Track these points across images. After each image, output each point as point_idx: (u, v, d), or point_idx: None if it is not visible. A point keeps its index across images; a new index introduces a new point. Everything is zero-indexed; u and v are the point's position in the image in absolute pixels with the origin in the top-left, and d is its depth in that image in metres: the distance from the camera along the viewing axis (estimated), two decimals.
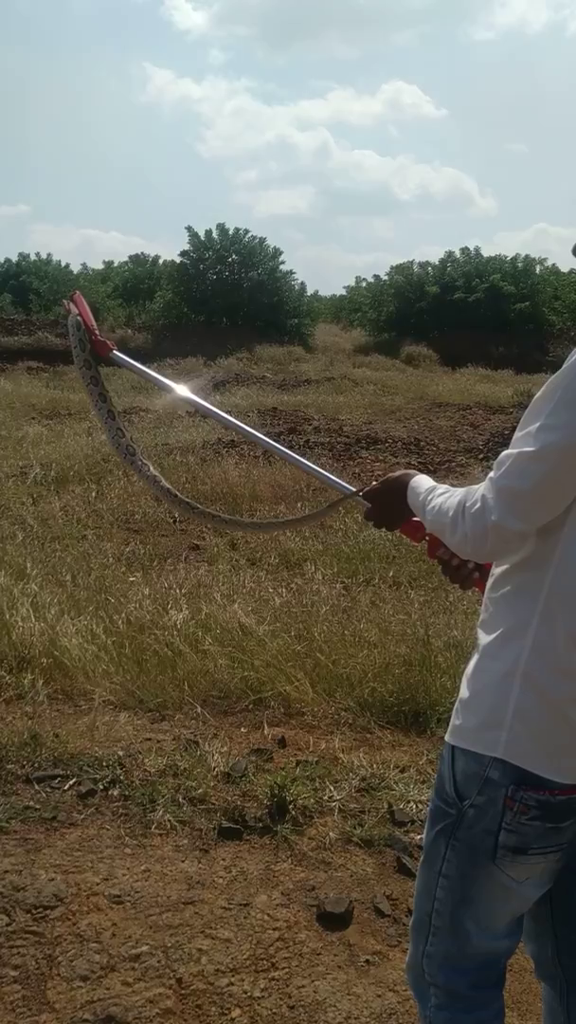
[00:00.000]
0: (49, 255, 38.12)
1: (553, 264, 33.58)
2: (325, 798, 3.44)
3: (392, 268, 33.66)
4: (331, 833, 3.24)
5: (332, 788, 3.50)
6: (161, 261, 36.29)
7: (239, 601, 5.06)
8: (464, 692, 1.70)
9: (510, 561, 1.65)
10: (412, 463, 11.70)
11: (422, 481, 1.90)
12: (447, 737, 1.73)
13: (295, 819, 3.29)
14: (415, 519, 1.96)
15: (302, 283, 33.34)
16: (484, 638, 1.68)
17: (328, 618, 4.89)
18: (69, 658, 4.40)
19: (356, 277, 37.73)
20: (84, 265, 39.07)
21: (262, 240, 32.09)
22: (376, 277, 34.35)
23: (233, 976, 2.55)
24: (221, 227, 31.85)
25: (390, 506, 2.02)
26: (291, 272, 32.52)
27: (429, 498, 1.79)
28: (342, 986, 2.54)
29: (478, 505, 1.59)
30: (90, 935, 2.67)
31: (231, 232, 31.87)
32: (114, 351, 2.42)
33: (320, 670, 4.39)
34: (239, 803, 3.37)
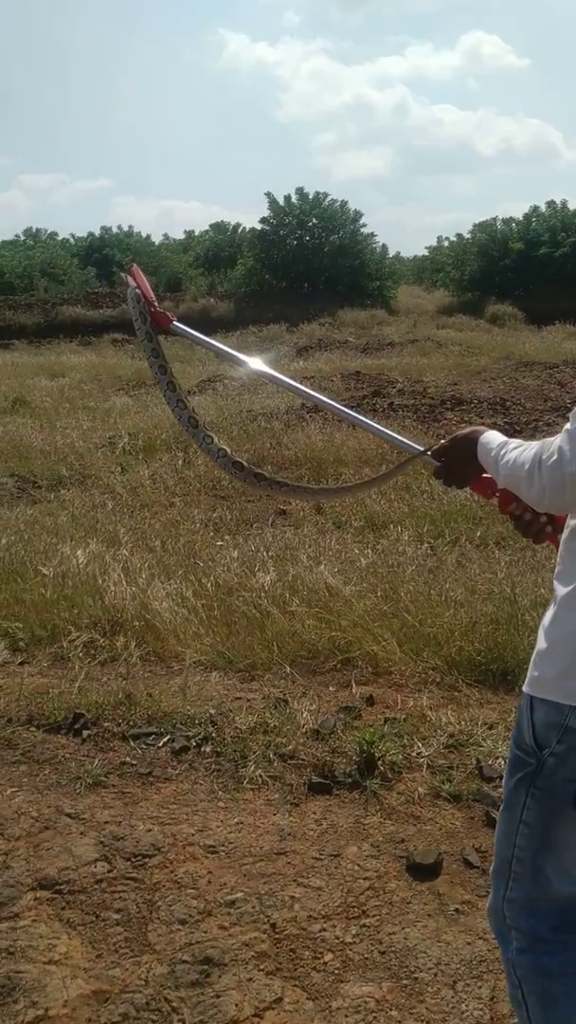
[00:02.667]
0: (131, 227, 38.50)
1: None
2: (413, 754, 3.48)
3: (475, 226, 33.03)
4: (420, 788, 3.29)
5: (420, 744, 3.54)
6: (241, 229, 36.28)
7: (325, 563, 5.10)
8: (542, 643, 1.72)
9: None
10: (498, 423, 11.56)
11: (493, 436, 1.90)
12: (525, 688, 1.75)
13: (384, 774, 3.35)
14: (485, 475, 1.96)
15: (383, 245, 33.03)
16: (561, 589, 1.69)
17: (414, 578, 4.91)
18: (160, 621, 4.52)
19: (438, 237, 37.13)
20: (166, 235, 39.43)
21: (343, 203, 31.87)
22: (458, 236, 33.77)
23: (325, 922, 2.63)
24: (300, 191, 31.70)
25: (460, 463, 2.02)
26: (372, 234, 32.26)
27: (502, 453, 1.80)
28: (432, 934, 2.59)
29: (555, 457, 1.59)
30: (187, 882, 2.78)
31: (311, 196, 31.68)
32: (174, 322, 2.45)
33: (407, 630, 4.42)
34: (328, 759, 3.44)
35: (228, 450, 2.43)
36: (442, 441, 2.08)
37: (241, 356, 2.49)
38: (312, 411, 11.87)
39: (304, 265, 30.46)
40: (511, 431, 11.12)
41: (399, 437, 2.32)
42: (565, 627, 1.67)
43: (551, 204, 31.84)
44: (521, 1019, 1.83)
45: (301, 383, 2.49)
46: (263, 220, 31.57)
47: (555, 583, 1.73)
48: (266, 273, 30.91)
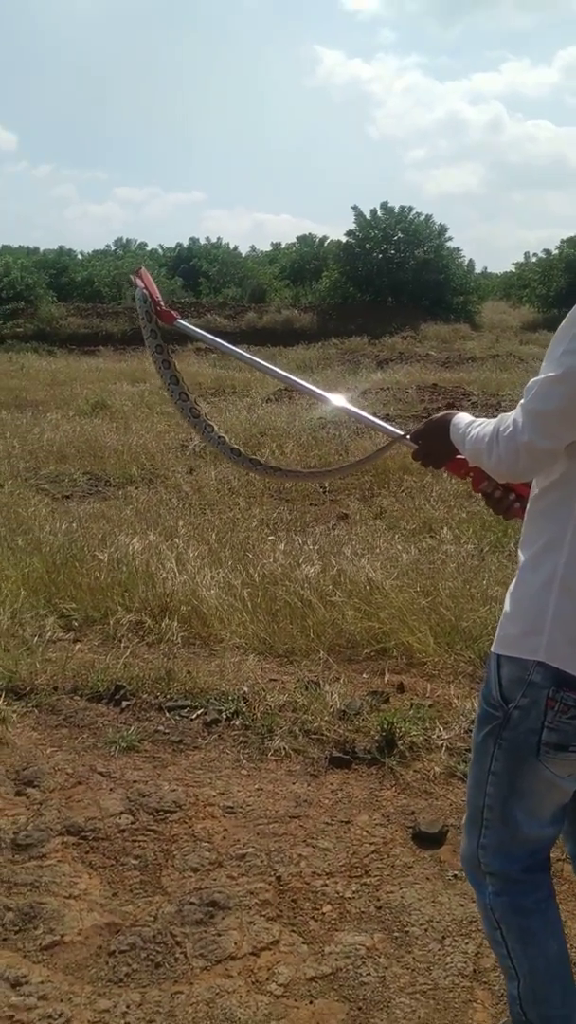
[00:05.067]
0: (219, 239, 39.21)
1: None
2: (434, 737, 3.62)
3: (563, 241, 32.75)
4: (436, 768, 3.43)
5: (442, 728, 3.67)
6: (328, 242, 36.62)
7: (367, 557, 5.27)
8: (507, 606, 1.87)
9: (544, 481, 1.80)
10: None
11: (463, 417, 2.06)
12: (493, 648, 1.90)
13: (402, 753, 3.49)
14: (459, 456, 2.11)
15: (470, 260, 33.05)
16: (525, 553, 1.84)
17: (454, 576, 5.03)
18: (207, 606, 4.74)
19: (525, 253, 36.93)
20: (252, 247, 40.01)
21: (428, 217, 32.00)
22: (546, 252, 33.53)
23: (328, 879, 2.80)
24: (385, 205, 31.89)
25: (435, 444, 2.17)
26: (458, 249, 32.31)
27: (468, 430, 1.95)
28: (428, 894, 2.74)
29: (510, 428, 1.75)
30: (203, 836, 2.97)
31: (396, 210, 31.84)
32: (178, 320, 2.61)
33: (443, 624, 4.55)
34: (351, 736, 3.60)
35: (227, 438, 2.60)
36: (419, 425, 2.24)
37: (242, 352, 2.69)
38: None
39: (388, 278, 30.61)
40: None
41: (381, 422, 2.48)
42: (526, 589, 1.81)
43: None
44: (502, 958, 1.97)
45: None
46: (349, 233, 31.86)
47: (519, 551, 1.88)
48: (350, 286, 31.15)
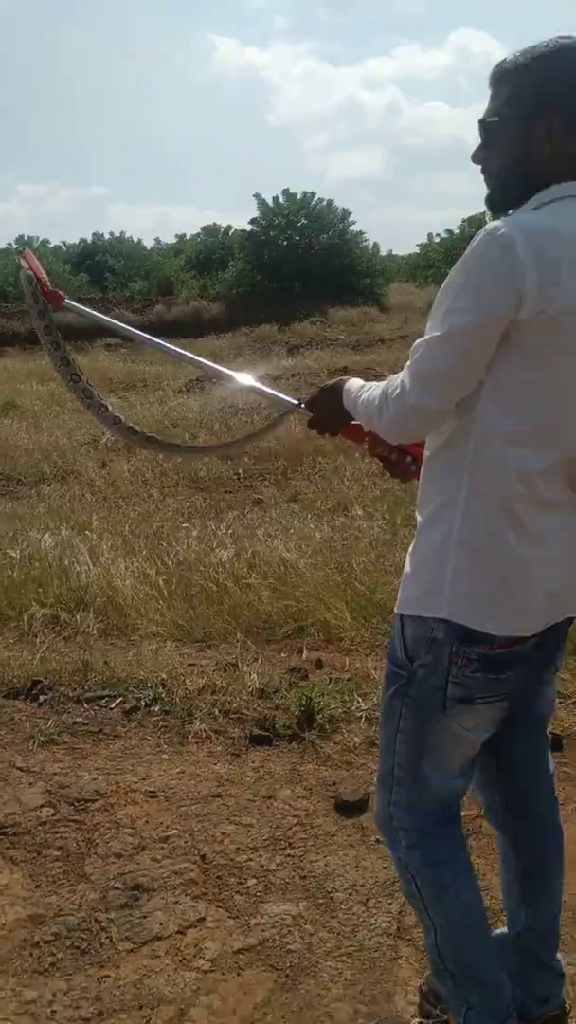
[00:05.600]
0: (123, 233, 38.71)
1: None
2: (353, 708, 3.67)
3: (464, 221, 33.25)
4: (356, 738, 3.47)
5: (360, 700, 3.72)
6: (232, 231, 36.50)
7: (281, 537, 5.29)
8: (407, 567, 1.89)
9: (436, 441, 1.83)
10: None
11: (354, 382, 2.07)
12: (396, 609, 1.92)
13: (322, 727, 3.53)
14: (354, 422, 2.13)
15: (374, 243, 33.27)
16: (422, 514, 1.87)
17: (367, 551, 5.09)
18: (122, 597, 4.71)
19: (429, 234, 37.38)
20: (157, 240, 39.56)
21: (330, 202, 32.09)
22: (448, 232, 33.98)
23: (252, 853, 2.82)
24: (287, 192, 31.91)
25: (328, 411, 2.17)
26: (362, 233, 32.47)
27: (359, 394, 1.97)
28: (352, 860, 2.78)
29: (398, 390, 1.77)
30: (125, 822, 2.97)
31: (298, 197, 31.89)
32: (66, 300, 2.55)
33: (358, 598, 4.60)
34: (270, 714, 3.62)
35: (122, 417, 2.58)
36: (313, 393, 2.25)
37: (129, 328, 2.67)
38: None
39: (294, 265, 30.66)
40: None
41: (275, 392, 2.47)
42: (424, 549, 1.84)
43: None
44: (419, 911, 2.01)
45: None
46: (252, 221, 31.81)
47: (416, 512, 1.91)
48: (257, 274, 31.12)
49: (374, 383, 1.97)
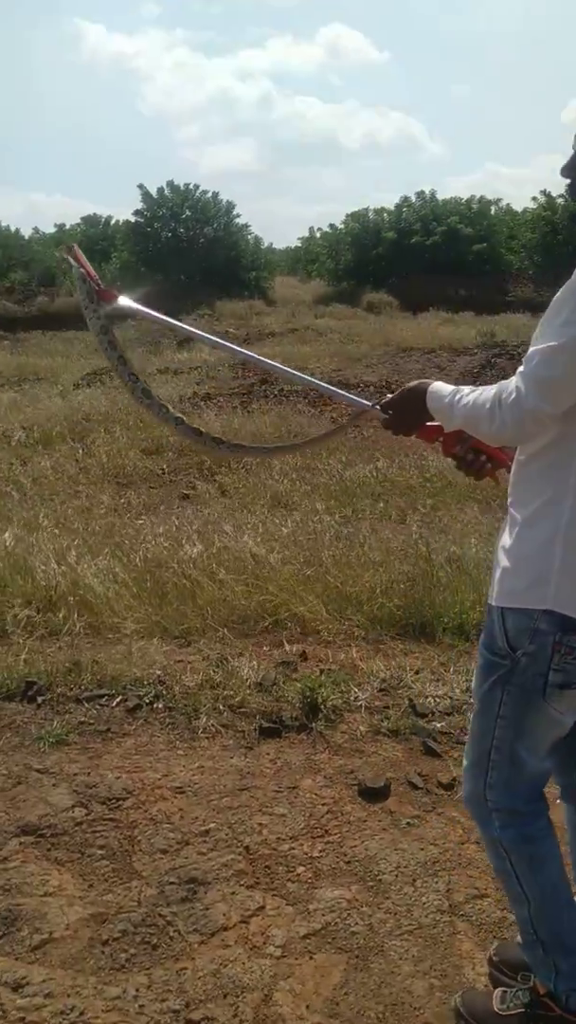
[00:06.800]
0: None
1: (507, 204, 33.87)
2: (351, 699, 3.78)
3: (347, 216, 33.71)
4: (361, 727, 3.59)
5: (356, 690, 3.84)
6: (114, 222, 36.00)
7: (248, 534, 5.35)
8: (506, 562, 2.00)
9: (535, 445, 1.95)
10: None
11: (442, 386, 2.17)
12: (494, 601, 2.03)
13: (327, 717, 3.63)
14: (429, 423, 2.24)
15: (257, 237, 33.36)
16: (521, 513, 1.98)
17: (333, 544, 5.21)
18: (93, 595, 4.69)
19: (310, 227, 37.71)
20: (36, 229, 38.51)
21: (215, 195, 32.02)
22: (332, 226, 34.38)
23: (293, 842, 2.90)
24: (171, 183, 31.70)
25: (409, 413, 2.26)
26: (247, 225, 32.54)
27: (458, 398, 2.07)
28: (389, 843, 2.89)
29: (513, 396, 1.88)
30: (161, 818, 3.00)
31: (183, 188, 31.72)
32: (120, 299, 2.52)
33: (330, 591, 4.71)
34: (274, 707, 3.70)
35: (184, 418, 2.60)
36: (389, 395, 2.35)
37: (195, 330, 2.69)
38: (205, 399, 12.11)
39: (180, 257, 30.48)
40: None
41: (348, 395, 2.57)
42: (528, 544, 1.95)
43: (420, 194, 32.79)
44: (511, 886, 2.14)
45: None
46: (137, 212, 31.49)
47: (511, 511, 2.02)
48: (142, 266, 30.80)
49: (470, 387, 2.08)
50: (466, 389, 2.08)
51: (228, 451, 2.73)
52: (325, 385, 2.66)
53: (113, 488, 8.12)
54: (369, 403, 2.42)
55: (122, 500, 7.52)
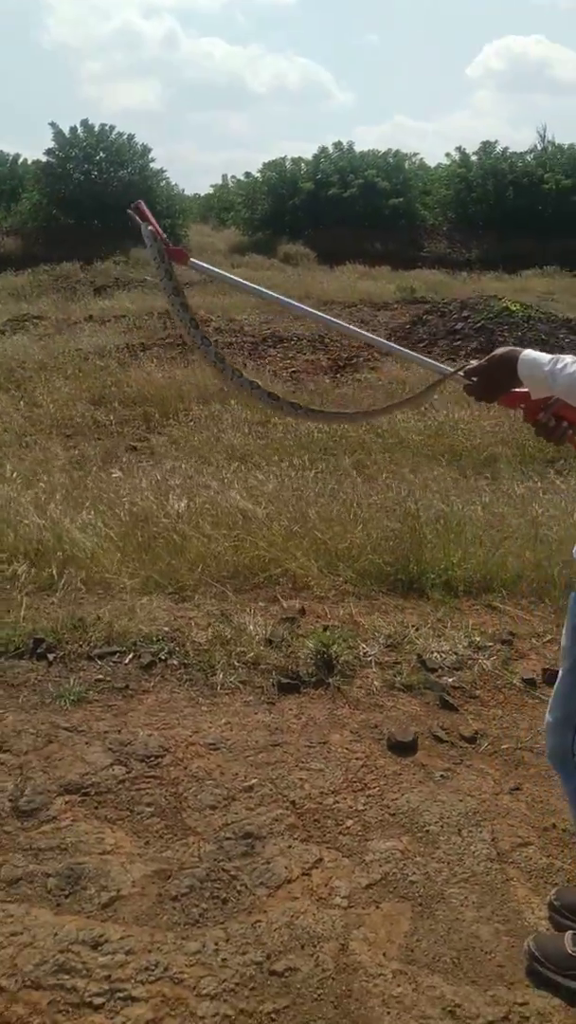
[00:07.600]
0: None
1: (421, 159, 33.89)
2: (361, 654, 3.84)
3: (264, 165, 33.23)
4: (375, 682, 3.66)
5: (364, 646, 3.90)
6: (23, 160, 34.71)
7: (236, 489, 5.33)
8: None
9: None
10: (321, 360, 12.03)
11: (536, 354, 2.20)
12: None
13: (342, 672, 3.69)
14: (516, 390, 2.27)
15: (171, 182, 32.66)
16: None
17: (316, 501, 5.24)
18: (81, 550, 4.62)
19: (223, 175, 37.11)
20: None
21: (130, 137, 31.14)
22: (247, 174, 33.88)
23: (336, 796, 2.96)
24: (86, 123, 30.71)
25: (498, 380, 2.29)
26: (163, 170, 31.80)
27: (560, 367, 2.10)
28: (428, 795, 2.98)
29: None
30: (203, 775, 3.02)
31: (96, 129, 30.78)
32: (191, 259, 2.49)
33: (318, 547, 4.75)
34: (289, 663, 3.73)
35: (259, 383, 2.56)
36: (472, 362, 2.37)
37: (264, 290, 2.62)
38: (144, 348, 11.90)
39: (93, 201, 29.63)
40: (336, 366, 11.64)
41: (429, 360, 2.58)
42: None
43: (338, 145, 32.49)
44: None
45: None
46: (48, 152, 30.40)
47: None
48: (53, 208, 29.88)
49: (568, 356, 2.12)
50: (568, 358, 2.12)
51: (304, 415, 2.68)
52: (405, 350, 2.66)
53: (61, 440, 7.96)
54: (451, 369, 2.44)
55: (75, 452, 7.40)
